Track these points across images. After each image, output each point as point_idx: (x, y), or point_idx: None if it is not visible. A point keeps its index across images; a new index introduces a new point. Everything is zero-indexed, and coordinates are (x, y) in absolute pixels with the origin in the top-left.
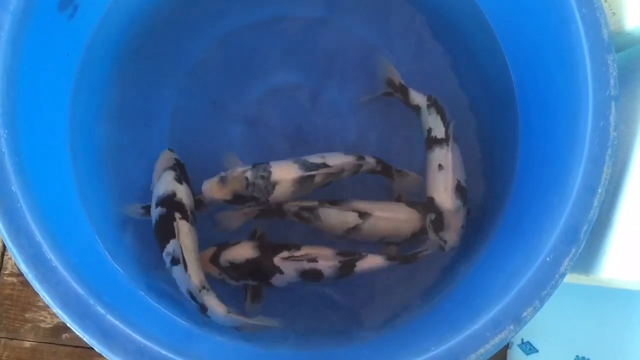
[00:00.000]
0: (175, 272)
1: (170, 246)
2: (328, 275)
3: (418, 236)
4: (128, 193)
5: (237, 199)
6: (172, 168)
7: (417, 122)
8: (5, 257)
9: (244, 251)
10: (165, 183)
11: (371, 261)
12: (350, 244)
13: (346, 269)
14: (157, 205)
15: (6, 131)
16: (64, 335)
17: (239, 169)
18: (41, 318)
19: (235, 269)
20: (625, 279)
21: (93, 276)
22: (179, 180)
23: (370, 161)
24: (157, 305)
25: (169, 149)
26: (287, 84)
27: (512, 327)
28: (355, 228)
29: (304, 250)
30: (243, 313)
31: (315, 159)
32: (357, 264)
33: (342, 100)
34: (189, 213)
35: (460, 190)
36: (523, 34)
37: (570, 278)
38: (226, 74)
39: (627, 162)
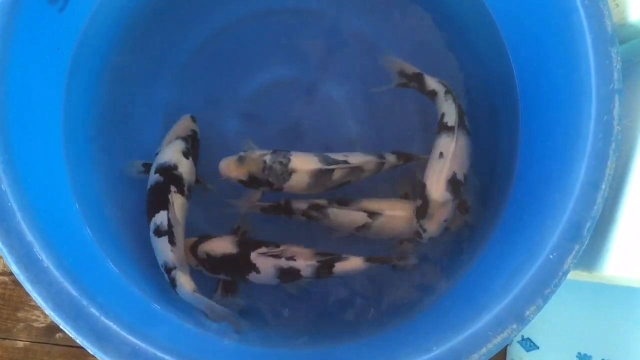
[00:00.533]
0: (156, 243)
1: (160, 217)
2: (306, 274)
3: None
4: (122, 189)
5: (252, 181)
6: (184, 139)
7: (414, 115)
8: None
9: (222, 245)
10: (171, 152)
11: (350, 263)
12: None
13: (325, 269)
14: (156, 171)
15: None
16: (57, 335)
17: (258, 152)
18: (34, 317)
19: (212, 261)
20: (629, 277)
21: (86, 276)
22: (185, 153)
23: (390, 159)
24: (153, 305)
25: (191, 116)
26: (282, 78)
27: (514, 326)
28: (365, 226)
29: (287, 247)
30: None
31: (337, 155)
32: (336, 264)
33: (339, 94)
34: (185, 188)
35: (454, 183)
36: (525, 26)
37: (572, 275)
38: (220, 68)
39: (631, 157)
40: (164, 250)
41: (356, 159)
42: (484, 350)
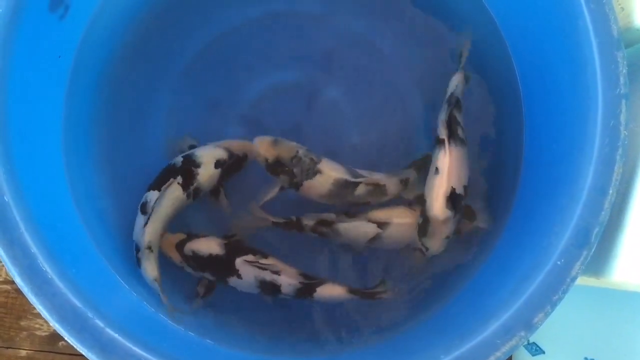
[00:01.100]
0: (137, 217)
1: (152, 195)
2: (286, 292)
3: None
4: (125, 197)
5: (277, 166)
6: (230, 154)
7: (418, 120)
8: None
9: (209, 246)
10: (207, 153)
11: (332, 290)
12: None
13: (306, 291)
14: (183, 156)
15: None
16: (60, 343)
17: (295, 143)
18: (37, 326)
19: (197, 260)
20: (638, 282)
21: (91, 287)
22: (218, 163)
23: (411, 176)
24: (158, 315)
25: (259, 142)
26: (284, 82)
27: (523, 334)
28: (376, 237)
29: (271, 261)
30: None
31: (363, 172)
32: (317, 289)
33: (341, 98)
34: (191, 188)
35: (453, 198)
36: (529, 31)
37: (580, 280)
38: (222, 72)
39: (638, 162)
40: (137, 228)
41: (380, 178)
42: (492, 358)
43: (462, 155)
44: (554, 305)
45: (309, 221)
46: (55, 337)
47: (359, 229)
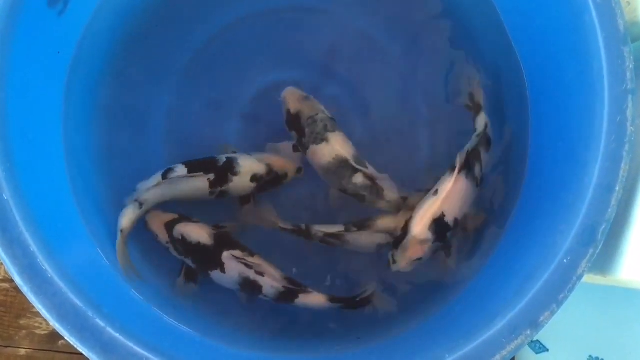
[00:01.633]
0: (154, 176)
1: (180, 169)
2: (267, 294)
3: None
4: (125, 195)
5: (294, 120)
6: (270, 170)
7: (421, 117)
8: None
9: (199, 234)
10: (248, 167)
11: (313, 299)
12: None
13: (287, 296)
14: (227, 158)
15: None
16: (60, 342)
17: (322, 106)
18: (36, 325)
19: (184, 245)
20: None
21: (91, 286)
22: (255, 178)
23: (417, 199)
24: (160, 314)
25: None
26: (284, 79)
27: (528, 332)
28: (384, 245)
29: (257, 261)
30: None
31: (371, 168)
32: (300, 295)
33: (341, 95)
34: (218, 190)
35: (440, 224)
36: (534, 26)
37: (586, 278)
38: (221, 69)
39: None
40: (148, 182)
41: (381, 179)
42: (497, 357)
43: (468, 191)
44: (559, 304)
45: (317, 232)
46: (55, 335)
47: (369, 239)
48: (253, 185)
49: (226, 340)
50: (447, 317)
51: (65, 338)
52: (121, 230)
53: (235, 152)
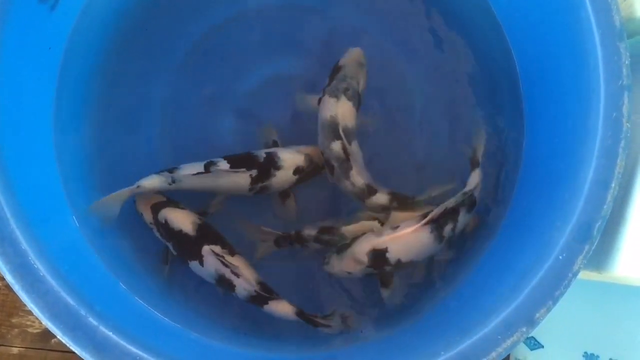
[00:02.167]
0: (194, 164)
1: (223, 164)
2: (238, 293)
3: None
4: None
5: (334, 69)
6: (310, 163)
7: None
8: None
9: (183, 222)
10: (291, 160)
11: (282, 308)
12: None
13: (257, 300)
14: (266, 153)
15: None
16: (53, 341)
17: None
18: (29, 323)
19: (166, 230)
20: None
21: (84, 284)
22: (297, 171)
23: (381, 199)
24: (154, 312)
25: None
26: (280, 74)
27: (524, 329)
28: None
29: (236, 261)
30: None
31: (354, 148)
32: (269, 302)
33: None
34: (259, 186)
35: (379, 258)
36: (529, 21)
37: (581, 275)
38: (216, 64)
39: None
40: (188, 167)
41: (357, 165)
42: (493, 354)
43: (427, 245)
44: (555, 301)
45: (310, 231)
46: (48, 334)
47: (363, 227)
48: (295, 178)
49: (220, 338)
50: (442, 314)
51: (58, 337)
52: (138, 186)
53: (275, 138)
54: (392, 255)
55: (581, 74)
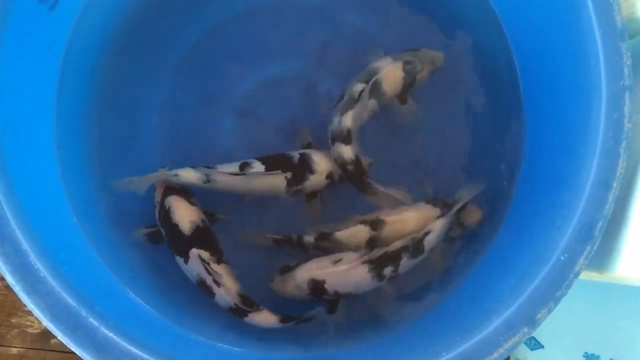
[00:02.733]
0: (230, 164)
1: (257, 164)
2: (218, 302)
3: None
4: (118, 193)
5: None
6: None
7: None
8: None
9: (183, 218)
10: (325, 165)
11: (264, 318)
12: None
13: (237, 312)
14: (300, 154)
15: None
16: (52, 341)
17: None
18: (28, 323)
19: (165, 217)
20: None
21: (85, 285)
22: (330, 176)
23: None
24: (154, 313)
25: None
26: (279, 74)
27: (526, 330)
28: (375, 239)
29: (220, 270)
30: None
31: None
32: (250, 315)
33: (336, 90)
34: (294, 189)
35: (316, 288)
36: (530, 21)
37: (582, 275)
38: (216, 65)
39: None
40: (224, 171)
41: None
42: (495, 355)
43: (364, 282)
44: (557, 301)
45: (310, 238)
46: (47, 334)
47: (355, 235)
48: (326, 182)
49: (220, 338)
50: (443, 314)
51: (59, 338)
52: (175, 175)
53: (310, 140)
54: (330, 287)
55: (582, 74)
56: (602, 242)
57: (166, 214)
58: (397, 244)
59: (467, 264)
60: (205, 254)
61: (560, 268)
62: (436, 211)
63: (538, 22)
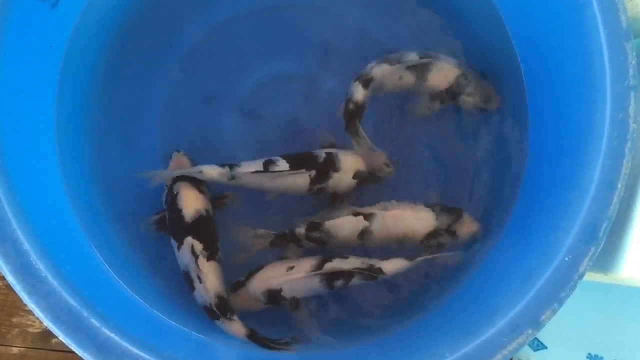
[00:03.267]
0: (256, 161)
1: (282, 163)
2: (196, 298)
3: (435, 238)
4: (119, 192)
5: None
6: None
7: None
8: None
9: (188, 206)
10: (352, 162)
11: (233, 328)
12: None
13: (210, 314)
14: (326, 153)
15: None
16: (53, 340)
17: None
18: (29, 322)
19: (172, 201)
20: None
21: (86, 285)
22: (357, 175)
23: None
24: (156, 314)
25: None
26: (281, 73)
27: (530, 331)
28: (366, 232)
29: (207, 267)
30: None
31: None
32: (221, 319)
33: (338, 89)
34: (316, 187)
35: (274, 296)
36: (534, 20)
37: (587, 276)
38: (217, 64)
39: None
40: (248, 165)
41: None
42: (499, 356)
43: (318, 290)
44: (561, 302)
45: (301, 229)
46: (48, 334)
47: (347, 225)
48: (354, 182)
49: (221, 338)
50: (446, 315)
51: (60, 338)
52: (200, 171)
53: (333, 140)
54: (287, 293)
55: (587, 74)
56: (606, 243)
57: (173, 199)
58: (353, 263)
59: (471, 265)
60: (199, 246)
61: (565, 269)
62: (432, 216)
63: (542, 22)
